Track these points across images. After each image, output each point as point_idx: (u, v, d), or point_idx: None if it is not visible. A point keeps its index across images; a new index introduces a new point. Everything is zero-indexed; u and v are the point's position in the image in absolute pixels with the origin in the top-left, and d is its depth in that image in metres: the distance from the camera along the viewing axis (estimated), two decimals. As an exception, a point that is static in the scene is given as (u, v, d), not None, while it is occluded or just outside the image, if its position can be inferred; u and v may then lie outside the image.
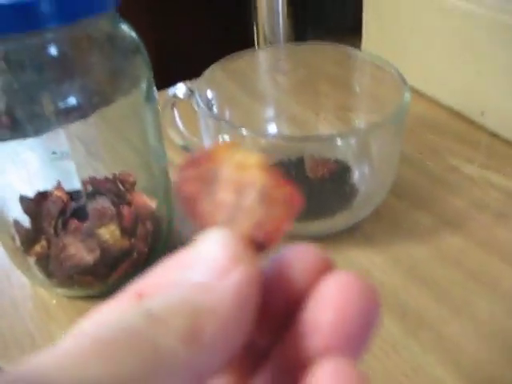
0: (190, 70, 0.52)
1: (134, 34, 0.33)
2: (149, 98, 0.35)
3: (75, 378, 0.10)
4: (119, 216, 0.36)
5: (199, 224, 0.14)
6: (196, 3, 0.81)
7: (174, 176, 0.46)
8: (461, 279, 0.37)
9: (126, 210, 0.36)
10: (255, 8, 0.73)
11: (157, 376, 0.11)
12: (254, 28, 0.74)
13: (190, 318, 0.12)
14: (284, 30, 0.72)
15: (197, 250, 0.14)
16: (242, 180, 0.14)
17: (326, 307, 0.13)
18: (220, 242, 0.13)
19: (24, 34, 0.28)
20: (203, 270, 0.13)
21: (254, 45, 0.76)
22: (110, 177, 0.39)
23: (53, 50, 0.29)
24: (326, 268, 0.14)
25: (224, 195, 0.14)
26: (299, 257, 0.15)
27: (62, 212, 0.37)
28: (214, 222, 0.14)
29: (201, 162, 0.14)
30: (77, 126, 0.35)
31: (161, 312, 0.12)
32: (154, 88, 0.36)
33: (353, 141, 0.38)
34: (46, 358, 0.11)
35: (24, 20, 0.27)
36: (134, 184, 0.39)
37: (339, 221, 0.40)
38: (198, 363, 0.12)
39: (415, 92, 0.57)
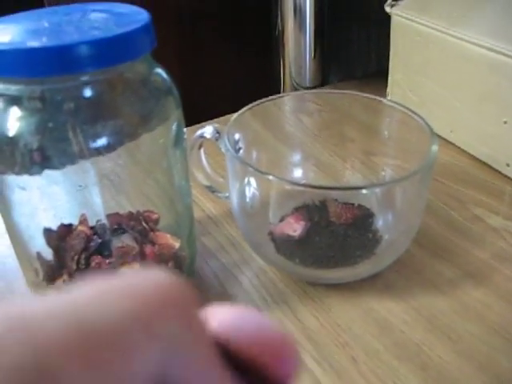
0: (217, 110, 0.53)
1: (166, 77, 0.34)
2: (178, 138, 0.36)
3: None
4: (142, 255, 0.36)
5: None
6: (226, 46, 0.83)
7: (197, 214, 0.47)
8: (483, 334, 0.36)
9: (149, 249, 0.37)
10: (283, 49, 0.74)
11: None
12: (281, 69, 0.75)
13: None
14: (310, 71, 0.73)
15: None
16: None
17: None
18: None
19: (61, 76, 0.28)
20: None
21: (280, 86, 0.77)
22: (134, 212, 0.40)
23: (88, 92, 0.30)
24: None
25: None
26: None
27: (86, 247, 0.38)
28: None
29: None
30: (104, 161, 0.35)
31: None
32: (184, 129, 0.36)
33: (377, 190, 0.38)
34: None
35: (62, 63, 0.28)
36: (157, 221, 0.39)
37: (361, 269, 0.39)
38: None
39: (441, 140, 0.57)
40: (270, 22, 0.76)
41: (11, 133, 0.30)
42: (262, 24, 0.81)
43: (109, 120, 0.31)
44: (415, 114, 0.40)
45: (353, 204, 0.42)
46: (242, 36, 0.85)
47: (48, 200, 0.38)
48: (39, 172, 0.33)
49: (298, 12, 0.71)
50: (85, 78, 0.29)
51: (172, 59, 0.81)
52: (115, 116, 0.31)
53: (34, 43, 0.28)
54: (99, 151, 0.32)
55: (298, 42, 0.72)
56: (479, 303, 0.39)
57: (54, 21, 0.31)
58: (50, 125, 0.30)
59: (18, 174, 0.33)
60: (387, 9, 0.59)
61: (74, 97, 0.30)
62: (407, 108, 0.41)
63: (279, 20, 0.73)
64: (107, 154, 0.33)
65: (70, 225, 0.38)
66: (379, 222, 0.42)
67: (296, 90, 0.74)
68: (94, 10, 0.32)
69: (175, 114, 0.35)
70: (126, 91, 0.32)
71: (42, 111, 0.30)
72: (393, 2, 0.59)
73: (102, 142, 0.31)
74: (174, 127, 0.35)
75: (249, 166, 0.35)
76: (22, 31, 0.30)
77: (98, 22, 0.30)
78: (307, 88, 0.74)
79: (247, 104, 0.42)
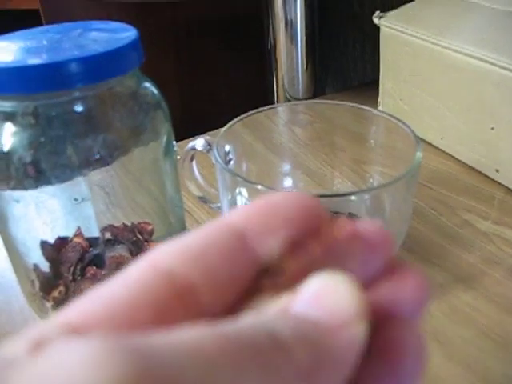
0: (214, 122, 0.54)
1: (155, 91, 0.35)
2: (168, 150, 0.37)
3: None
4: (136, 265, 0.37)
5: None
6: (221, 59, 0.84)
7: (190, 225, 0.47)
8: (472, 336, 0.37)
9: (142, 259, 0.37)
10: (275, 62, 0.75)
11: None
12: (274, 81, 0.76)
13: (312, 356, 0.12)
14: (303, 83, 0.74)
15: (320, 285, 0.14)
16: None
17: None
18: (349, 291, 0.13)
19: (53, 92, 0.29)
20: (327, 311, 0.13)
21: (273, 98, 0.79)
22: (129, 224, 0.41)
23: (79, 107, 0.31)
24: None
25: None
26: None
27: (81, 259, 0.38)
28: None
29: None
30: (98, 174, 0.36)
31: (288, 340, 0.12)
32: (173, 141, 0.37)
33: (366, 197, 0.39)
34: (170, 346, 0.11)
35: (54, 80, 0.29)
36: (151, 233, 0.40)
37: (351, 274, 0.40)
38: None
39: (431, 146, 0.58)
40: (262, 35, 0.78)
41: (5, 148, 0.31)
42: (255, 37, 0.82)
43: (100, 133, 0.32)
44: (402, 122, 0.41)
45: (343, 213, 0.43)
46: (237, 49, 0.86)
47: (44, 213, 0.39)
48: (34, 187, 0.34)
49: (289, 24, 0.73)
50: (76, 94, 0.30)
51: (168, 74, 0.82)
52: (106, 129, 0.32)
53: (26, 61, 0.29)
54: (92, 164, 0.33)
55: (290, 54, 0.73)
56: (468, 306, 0.39)
57: (47, 39, 0.32)
58: (43, 139, 0.31)
59: (13, 188, 0.34)
60: (375, 20, 0.61)
61: (66, 112, 0.31)
62: (394, 117, 0.42)
63: (271, 33, 0.75)
64: (100, 167, 0.34)
65: (66, 237, 0.39)
66: (369, 229, 0.43)
67: (289, 101, 0.75)
68: (84, 29, 0.33)
69: (165, 127, 0.36)
70: (115, 105, 0.33)
71: (35, 126, 0.31)
72: (381, 14, 0.60)
73: (93, 154, 0.32)
74: (163, 140, 0.36)
75: (238, 177, 0.36)
76: (15, 49, 0.31)
77: (88, 39, 0.32)
78: (300, 99, 0.76)
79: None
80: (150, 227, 0.41)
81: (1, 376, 0.10)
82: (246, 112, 0.44)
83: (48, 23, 0.91)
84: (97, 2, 0.78)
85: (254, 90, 0.85)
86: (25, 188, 0.34)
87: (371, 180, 0.46)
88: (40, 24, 0.90)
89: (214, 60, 0.85)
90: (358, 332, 0.13)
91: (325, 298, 0.13)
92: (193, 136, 0.59)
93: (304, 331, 0.12)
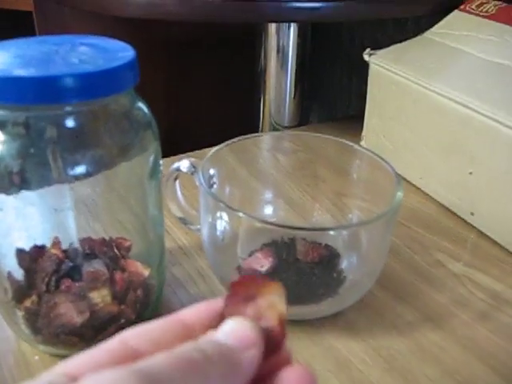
0: (196, 136, 0.54)
1: (147, 111, 0.35)
2: (154, 169, 0.37)
3: None
4: (112, 281, 0.37)
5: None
6: (211, 78, 0.84)
7: (168, 244, 0.48)
8: (437, 377, 0.38)
9: (118, 275, 0.37)
10: (264, 87, 0.76)
11: None
12: (261, 106, 0.77)
13: (228, 365, 0.19)
14: (289, 111, 0.75)
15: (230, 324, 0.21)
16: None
17: None
18: (252, 328, 0.20)
19: (46, 105, 0.29)
20: (238, 338, 0.20)
21: (259, 120, 0.79)
22: (107, 238, 0.41)
23: (71, 122, 0.31)
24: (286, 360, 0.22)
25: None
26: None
27: (57, 270, 0.38)
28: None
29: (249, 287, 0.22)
30: (81, 186, 0.36)
31: (212, 355, 0.19)
32: (161, 161, 0.38)
33: (344, 232, 0.40)
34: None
35: (48, 93, 0.29)
36: (129, 249, 0.40)
37: (324, 307, 0.41)
38: None
39: (410, 185, 0.59)
40: (253, 58, 0.79)
41: (-7, 155, 0.31)
42: (246, 58, 0.83)
43: (89, 149, 0.32)
44: (385, 161, 0.42)
45: (320, 244, 0.44)
46: (227, 70, 0.87)
47: (22, 220, 0.38)
48: (16, 192, 0.34)
49: (281, 51, 0.74)
50: (69, 108, 0.31)
51: (157, 89, 0.83)
52: (96, 146, 0.32)
53: (22, 72, 0.29)
54: (77, 177, 0.33)
55: (280, 81, 0.74)
56: (436, 346, 0.40)
57: (44, 50, 0.32)
58: (32, 150, 0.31)
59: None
60: (366, 57, 0.62)
61: (57, 125, 0.31)
62: (378, 155, 0.43)
63: (262, 57, 0.76)
64: (84, 179, 0.34)
65: (43, 246, 0.39)
66: (344, 263, 0.43)
67: (274, 128, 0.76)
68: (82, 43, 0.34)
69: (153, 147, 0.36)
70: (108, 123, 0.33)
71: (24, 137, 0.31)
72: (371, 51, 0.62)
73: (80, 169, 0.32)
74: (151, 159, 0.36)
75: (220, 202, 0.37)
76: (11, 59, 0.31)
77: (86, 55, 0.32)
78: (285, 127, 0.76)
79: (226, 138, 0.44)
80: (127, 243, 0.41)
81: None
82: (231, 133, 0.44)
83: (40, 28, 0.91)
84: (90, 14, 0.79)
85: (240, 111, 0.85)
86: (7, 193, 0.34)
87: (350, 215, 0.47)
88: (32, 27, 0.90)
89: (202, 78, 0.85)
90: (255, 353, 0.20)
91: (236, 331, 0.20)
92: (176, 153, 0.60)
93: (222, 350, 0.19)
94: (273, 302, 0.22)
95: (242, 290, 0.22)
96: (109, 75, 0.30)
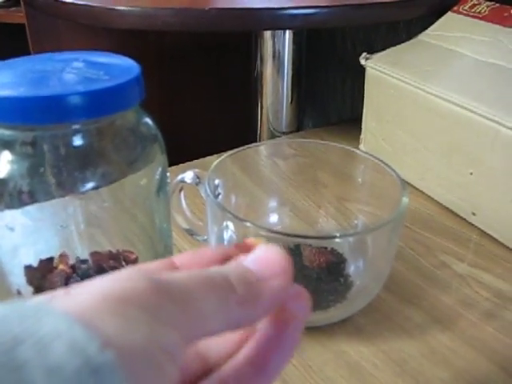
0: (196, 149, 0.55)
1: (153, 126, 0.36)
2: (162, 182, 0.37)
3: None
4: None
5: None
6: (206, 86, 0.85)
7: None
8: (449, 378, 0.38)
9: (128, 289, 0.37)
10: (260, 93, 0.76)
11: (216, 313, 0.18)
12: (259, 112, 0.77)
13: (248, 292, 0.19)
14: (287, 116, 0.75)
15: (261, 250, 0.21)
16: None
17: None
18: (281, 256, 0.21)
19: (53, 124, 0.30)
20: (265, 266, 0.21)
21: (256, 126, 0.80)
22: (114, 251, 0.41)
23: (78, 140, 0.31)
24: None
25: None
26: None
27: (66, 285, 0.38)
28: None
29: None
30: (88, 199, 0.36)
31: (234, 280, 0.19)
32: (168, 174, 0.38)
33: (350, 238, 0.40)
34: None
35: (55, 112, 0.29)
36: (135, 262, 0.40)
37: (333, 313, 0.41)
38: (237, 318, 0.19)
39: (411, 187, 0.60)
40: (248, 64, 0.79)
41: (1, 175, 0.31)
42: (241, 64, 0.83)
43: (97, 166, 0.32)
44: (388, 165, 0.42)
45: (326, 248, 0.44)
46: (222, 77, 0.87)
47: (30, 237, 0.38)
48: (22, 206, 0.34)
49: (277, 57, 0.74)
50: (76, 127, 0.31)
51: (150, 98, 0.83)
52: (103, 162, 0.32)
53: (28, 91, 0.29)
54: (85, 194, 0.33)
55: (276, 86, 0.75)
56: (445, 348, 0.41)
57: (49, 69, 0.32)
58: (41, 169, 0.31)
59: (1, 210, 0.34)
60: (362, 61, 0.62)
61: (65, 144, 0.31)
62: (381, 160, 0.43)
63: (258, 63, 0.76)
64: (92, 195, 0.34)
65: (51, 258, 0.39)
66: (351, 268, 0.44)
67: (272, 134, 0.76)
68: (86, 60, 0.34)
69: (160, 160, 0.36)
70: (115, 139, 0.33)
71: (32, 156, 0.31)
72: (367, 56, 0.62)
73: (88, 186, 0.32)
74: (158, 172, 0.36)
75: (228, 212, 0.37)
76: (17, 78, 0.31)
77: (91, 72, 0.32)
78: (283, 133, 0.77)
79: (224, 145, 0.44)
80: (133, 256, 0.41)
81: (49, 300, 0.17)
82: (229, 140, 0.45)
83: (33, 41, 0.91)
84: (84, 26, 0.79)
85: (237, 118, 0.86)
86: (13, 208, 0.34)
87: (355, 220, 0.47)
88: (25, 40, 0.90)
89: (198, 84, 0.85)
90: (281, 282, 0.20)
91: (265, 257, 0.21)
92: (174, 160, 0.60)
93: (246, 276, 0.20)
94: None
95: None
96: (116, 92, 0.30)
